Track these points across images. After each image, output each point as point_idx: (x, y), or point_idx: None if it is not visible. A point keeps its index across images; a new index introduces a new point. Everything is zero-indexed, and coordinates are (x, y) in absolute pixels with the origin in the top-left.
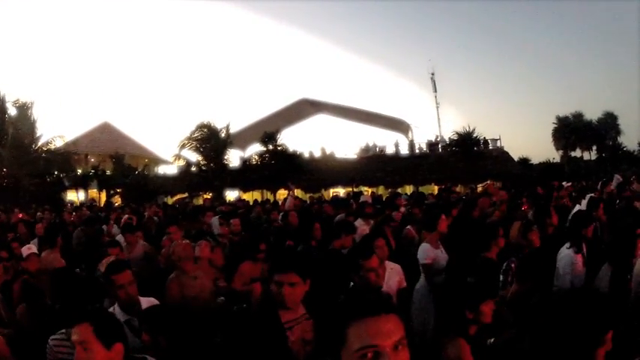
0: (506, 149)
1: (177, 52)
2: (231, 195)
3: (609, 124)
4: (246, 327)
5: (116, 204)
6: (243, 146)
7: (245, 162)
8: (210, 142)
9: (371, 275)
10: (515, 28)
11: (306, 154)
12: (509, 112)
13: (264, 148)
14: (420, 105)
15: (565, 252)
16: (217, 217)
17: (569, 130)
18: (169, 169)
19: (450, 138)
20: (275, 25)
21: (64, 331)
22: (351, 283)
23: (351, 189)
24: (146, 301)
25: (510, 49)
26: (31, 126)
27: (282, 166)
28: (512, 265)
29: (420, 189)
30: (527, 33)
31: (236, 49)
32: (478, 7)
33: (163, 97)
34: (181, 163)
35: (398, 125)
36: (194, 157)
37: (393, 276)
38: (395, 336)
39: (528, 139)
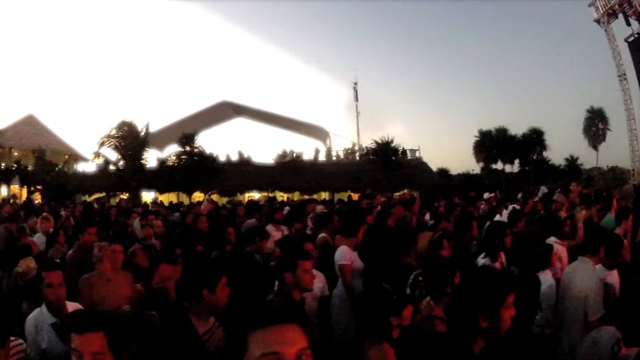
0: (426, 160)
1: (103, 48)
2: (147, 196)
3: (535, 139)
4: (163, 341)
5: (36, 201)
6: (161, 146)
7: (162, 163)
8: (129, 140)
9: (306, 277)
10: (442, 42)
11: (224, 158)
12: (432, 124)
13: (182, 149)
14: (342, 113)
15: (481, 262)
16: (138, 219)
17: (492, 144)
18: (88, 167)
19: (366, 147)
20: (201, 25)
21: None
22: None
23: (266, 194)
24: (72, 306)
25: (436, 62)
26: None
27: (198, 169)
28: (420, 279)
29: (337, 196)
30: (455, 48)
31: (161, 47)
32: (405, 19)
33: (86, 91)
34: (100, 161)
35: (317, 132)
36: (113, 155)
37: (317, 283)
38: (298, 345)
39: (450, 152)
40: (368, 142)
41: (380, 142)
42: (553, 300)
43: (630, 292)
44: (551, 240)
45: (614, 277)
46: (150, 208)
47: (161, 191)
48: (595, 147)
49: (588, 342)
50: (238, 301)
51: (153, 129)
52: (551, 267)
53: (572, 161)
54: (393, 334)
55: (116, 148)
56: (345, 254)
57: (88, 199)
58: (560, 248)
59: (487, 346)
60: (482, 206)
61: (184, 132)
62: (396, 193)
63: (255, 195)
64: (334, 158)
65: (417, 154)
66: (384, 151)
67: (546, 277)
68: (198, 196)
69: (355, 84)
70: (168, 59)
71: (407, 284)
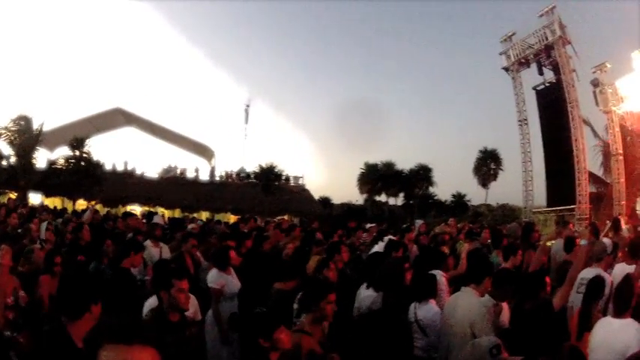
0: (309, 188)
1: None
2: (34, 198)
3: (422, 174)
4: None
5: None
6: (51, 147)
7: (51, 164)
8: (25, 136)
9: (181, 296)
10: (336, 72)
11: (110, 166)
12: (319, 153)
13: (72, 153)
14: (231, 134)
15: (365, 293)
16: (46, 222)
17: (377, 177)
18: None
19: (244, 171)
20: (110, 26)
21: None
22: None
23: (147, 208)
24: None
25: (330, 92)
26: None
27: (83, 175)
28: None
29: (216, 217)
30: (351, 79)
31: (62, 44)
32: (298, 47)
33: None
34: None
35: (202, 150)
36: (8, 150)
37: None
38: None
39: (335, 182)
40: (253, 164)
41: (264, 166)
42: (438, 327)
43: (520, 318)
44: (436, 272)
45: (504, 309)
46: (37, 212)
47: (47, 194)
48: (485, 185)
49: (467, 348)
50: (108, 314)
51: (46, 127)
52: (437, 296)
53: (459, 197)
54: (270, 356)
55: (11, 143)
56: (215, 277)
57: None
58: (444, 281)
59: None
60: (364, 235)
61: (76, 135)
62: (276, 218)
63: (137, 208)
64: (217, 178)
65: (301, 181)
66: (267, 175)
67: (431, 306)
68: (82, 203)
69: (247, 106)
70: (67, 57)
71: (286, 305)
